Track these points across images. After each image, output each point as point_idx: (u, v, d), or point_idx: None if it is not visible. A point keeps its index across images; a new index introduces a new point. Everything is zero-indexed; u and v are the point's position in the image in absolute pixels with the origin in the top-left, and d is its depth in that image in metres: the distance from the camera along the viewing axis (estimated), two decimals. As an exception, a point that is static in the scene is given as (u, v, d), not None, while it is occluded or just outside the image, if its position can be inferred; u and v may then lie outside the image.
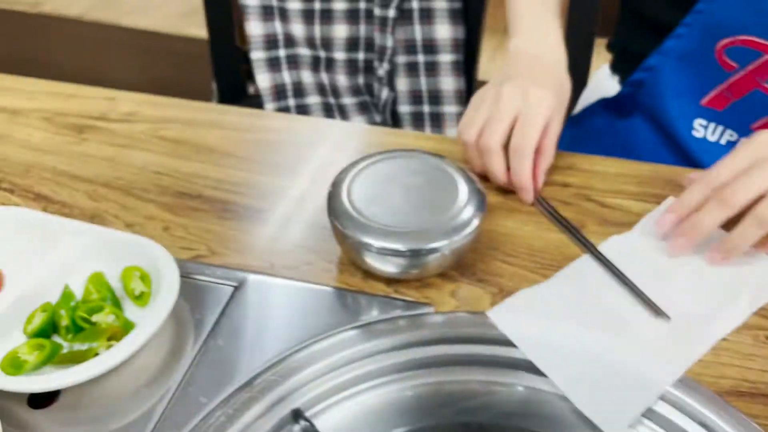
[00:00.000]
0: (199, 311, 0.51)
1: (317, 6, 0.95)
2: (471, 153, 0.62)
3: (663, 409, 0.45)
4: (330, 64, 0.98)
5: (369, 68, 0.98)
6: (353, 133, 0.70)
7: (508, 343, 0.48)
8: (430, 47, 0.94)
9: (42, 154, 0.67)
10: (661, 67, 0.73)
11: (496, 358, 0.49)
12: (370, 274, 0.53)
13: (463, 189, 0.53)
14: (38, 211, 0.58)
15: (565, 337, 0.49)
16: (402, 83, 0.97)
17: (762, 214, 0.51)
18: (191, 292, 0.52)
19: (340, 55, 0.97)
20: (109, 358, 0.44)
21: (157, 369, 0.47)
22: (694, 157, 0.74)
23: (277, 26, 0.96)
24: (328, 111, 1.01)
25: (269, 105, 1.00)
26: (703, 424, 0.44)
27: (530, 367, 0.48)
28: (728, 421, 0.44)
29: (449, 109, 0.96)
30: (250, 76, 1.07)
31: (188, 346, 0.48)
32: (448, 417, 0.47)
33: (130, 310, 0.50)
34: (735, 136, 0.72)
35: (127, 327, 0.48)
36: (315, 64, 0.98)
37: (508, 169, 0.60)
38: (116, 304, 0.49)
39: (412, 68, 0.96)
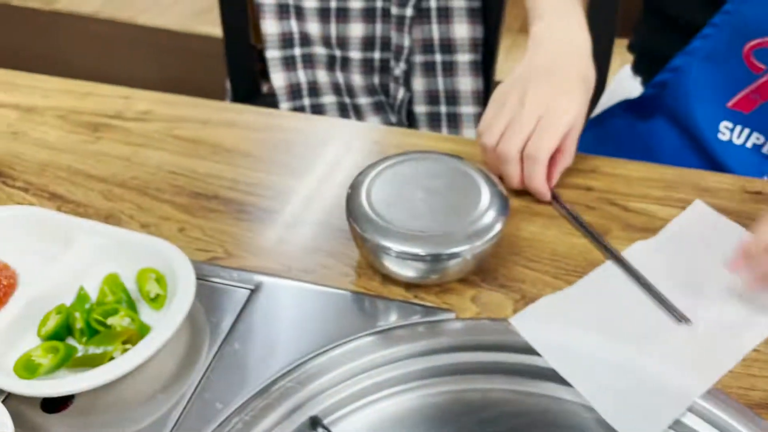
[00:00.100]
0: (215, 315, 0.50)
1: (333, 4, 0.94)
2: (489, 156, 0.60)
3: (691, 420, 0.44)
4: (345, 63, 0.97)
5: (385, 68, 0.97)
6: (370, 134, 0.69)
7: (530, 351, 0.47)
8: (448, 47, 0.92)
9: (57, 152, 0.67)
10: (687, 68, 0.71)
11: (519, 367, 0.47)
12: (388, 278, 0.52)
13: (485, 192, 0.52)
14: (53, 210, 0.57)
15: (589, 346, 0.48)
16: (418, 83, 0.96)
17: None
18: (207, 295, 0.51)
19: (355, 55, 0.96)
20: (124, 362, 0.43)
21: (172, 374, 0.46)
22: (718, 160, 0.72)
23: (293, 25, 0.95)
24: (343, 111, 1.00)
25: (284, 104, 0.99)
26: (733, 438, 0.43)
27: (553, 376, 0.46)
28: (760, 435, 0.42)
29: (466, 109, 0.95)
30: (264, 75, 1.07)
31: (204, 351, 0.47)
32: (468, 426, 0.46)
33: (145, 313, 0.49)
34: (762, 140, 0.70)
35: (142, 330, 0.47)
36: (330, 63, 0.97)
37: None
38: (131, 306, 0.49)
39: (429, 68, 0.95)
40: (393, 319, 0.50)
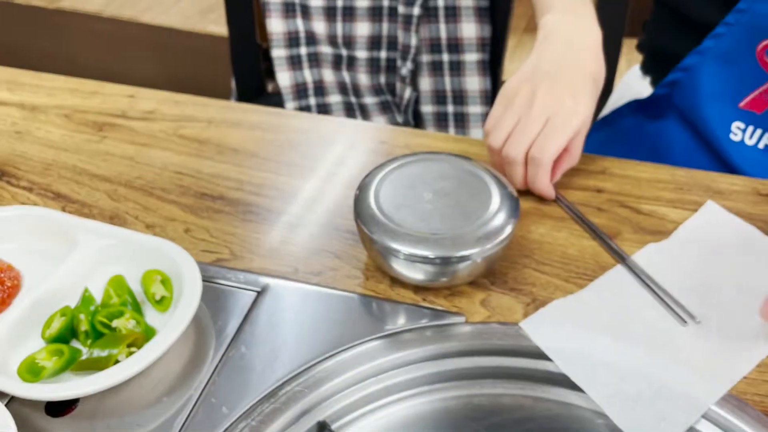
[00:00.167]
0: (221, 317, 0.49)
1: (339, 3, 0.93)
2: (494, 157, 0.60)
3: (706, 428, 0.43)
4: (351, 62, 0.96)
5: (391, 67, 0.96)
6: (377, 134, 0.68)
7: (541, 356, 0.46)
8: (456, 46, 0.92)
9: (61, 152, 0.66)
10: (699, 68, 0.71)
11: (530, 372, 0.47)
12: (397, 281, 0.52)
13: (495, 194, 0.51)
14: (57, 210, 0.57)
15: (601, 350, 0.47)
16: (425, 83, 0.95)
17: None
18: (213, 298, 0.50)
19: (361, 54, 0.95)
20: (129, 366, 0.42)
21: (178, 377, 0.45)
22: (730, 161, 0.71)
23: (299, 23, 0.94)
24: (349, 110, 0.99)
25: (290, 104, 0.98)
26: (749, 446, 0.42)
27: (565, 382, 0.46)
28: (777, 444, 0.41)
29: (474, 109, 0.94)
30: (269, 74, 1.06)
31: (209, 354, 0.47)
32: (478, 432, 0.45)
33: (151, 315, 0.49)
34: (774, 141, 0.69)
35: (147, 333, 0.46)
36: (336, 63, 0.97)
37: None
38: (137, 308, 0.48)
39: (436, 67, 0.94)
40: (401, 322, 0.49)
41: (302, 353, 0.46)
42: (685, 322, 0.49)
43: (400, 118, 0.98)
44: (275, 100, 1.02)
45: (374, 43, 0.95)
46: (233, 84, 1.07)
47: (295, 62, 0.97)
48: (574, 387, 0.45)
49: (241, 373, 0.45)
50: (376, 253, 0.50)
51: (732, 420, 0.43)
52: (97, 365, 0.44)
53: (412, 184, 0.52)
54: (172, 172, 0.63)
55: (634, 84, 0.86)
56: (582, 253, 0.54)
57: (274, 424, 0.42)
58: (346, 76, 0.97)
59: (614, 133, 0.84)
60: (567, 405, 0.46)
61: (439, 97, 0.96)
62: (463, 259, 0.48)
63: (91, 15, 1.83)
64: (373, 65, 0.96)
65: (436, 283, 0.50)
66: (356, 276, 0.52)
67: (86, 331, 0.46)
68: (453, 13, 0.90)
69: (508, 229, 0.49)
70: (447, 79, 0.94)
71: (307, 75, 0.97)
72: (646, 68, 0.84)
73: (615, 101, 0.88)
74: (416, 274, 0.50)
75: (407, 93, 0.96)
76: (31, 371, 0.43)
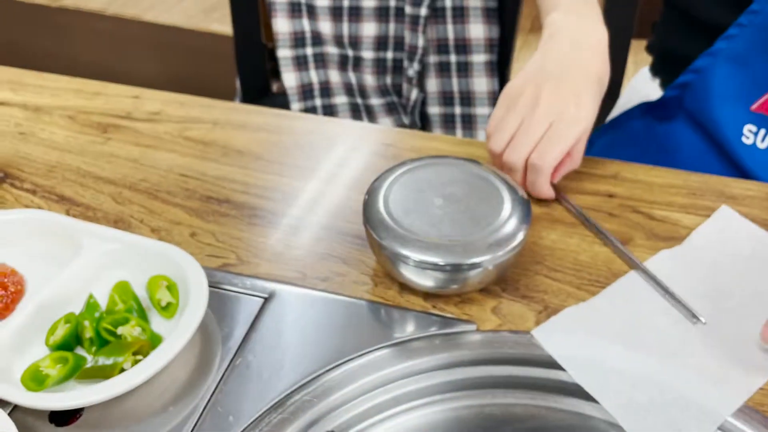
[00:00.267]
0: (228, 324, 0.48)
1: (346, 3, 0.92)
2: (495, 160, 0.59)
3: (722, 440, 0.42)
4: (358, 63, 0.95)
5: (397, 68, 0.95)
6: (385, 137, 0.67)
7: (554, 365, 0.46)
8: (463, 47, 0.91)
9: (65, 153, 0.65)
10: (710, 70, 0.70)
11: (542, 381, 0.46)
12: (406, 287, 0.51)
13: (506, 199, 0.50)
14: (61, 214, 0.56)
15: (614, 359, 0.46)
16: (432, 84, 0.94)
17: None
18: (219, 304, 0.50)
19: (368, 54, 0.94)
20: (135, 375, 0.41)
21: (184, 386, 0.44)
22: (741, 164, 0.70)
23: (305, 23, 0.93)
24: (355, 111, 0.98)
25: (295, 104, 0.97)
26: (767, 459, 0.41)
27: (578, 391, 0.45)
28: (796, 457, 0.41)
29: (481, 110, 0.93)
30: (274, 74, 1.05)
31: (216, 362, 0.46)
32: (490, 443, 0.44)
33: (156, 322, 0.48)
34: (787, 145, 0.68)
35: (153, 340, 0.45)
36: (343, 63, 0.96)
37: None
38: (142, 315, 0.47)
39: (443, 68, 0.93)
40: (411, 330, 0.48)
41: (310, 361, 0.46)
42: (700, 321, 0.48)
43: (406, 120, 0.97)
44: (280, 100, 1.01)
45: (381, 43, 0.94)
46: (238, 84, 1.06)
47: (300, 63, 0.96)
48: (587, 397, 0.45)
49: (248, 382, 0.45)
50: (385, 259, 0.50)
51: (749, 432, 0.42)
52: (102, 373, 0.43)
53: (422, 189, 0.52)
54: (177, 174, 0.62)
55: (643, 86, 0.85)
56: (594, 260, 0.53)
57: (282, 434, 0.41)
58: (352, 76, 0.96)
59: (623, 136, 0.83)
60: (580, 415, 0.45)
61: (446, 99, 0.95)
62: (474, 266, 0.47)
63: (94, 13, 1.82)
64: (380, 66, 0.95)
65: (446, 290, 0.49)
66: (364, 282, 0.52)
67: (91, 338, 0.45)
68: (461, 14, 0.89)
69: (520, 236, 0.48)
70: (454, 80, 0.93)
71: (313, 76, 0.96)
72: (656, 70, 0.83)
73: (624, 103, 0.87)
74: (426, 280, 0.49)
75: (414, 94, 0.95)
76: (35, 379, 0.43)
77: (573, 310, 0.49)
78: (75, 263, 0.49)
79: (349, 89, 0.97)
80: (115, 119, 0.69)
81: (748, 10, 0.65)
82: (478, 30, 0.90)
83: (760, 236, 0.55)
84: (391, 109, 0.97)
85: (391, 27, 0.93)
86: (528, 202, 0.51)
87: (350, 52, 0.95)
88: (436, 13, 0.90)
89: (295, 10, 0.93)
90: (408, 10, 0.90)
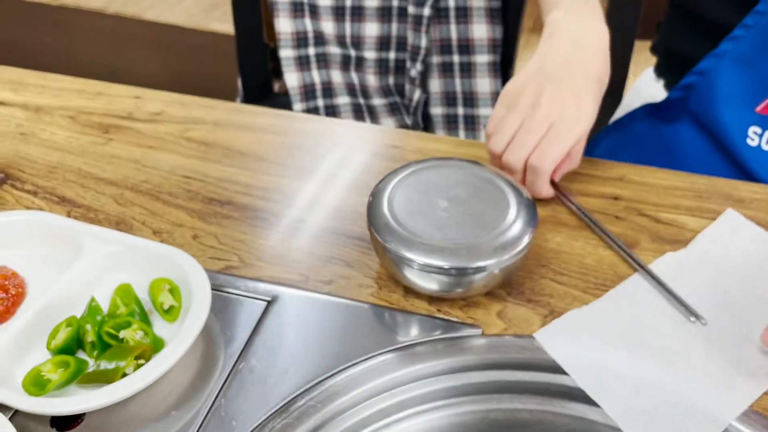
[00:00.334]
0: (231, 328, 0.48)
1: (348, 3, 0.91)
2: (495, 161, 0.59)
3: (728, 445, 0.42)
4: (360, 63, 0.94)
5: (400, 68, 0.95)
6: (388, 138, 0.67)
7: (560, 370, 0.45)
8: (466, 47, 0.90)
9: (66, 154, 0.65)
10: (715, 71, 0.69)
11: (548, 386, 0.45)
12: (411, 290, 0.50)
13: (512, 202, 0.50)
14: (62, 216, 0.55)
15: (616, 362, 0.45)
16: (435, 84, 0.93)
17: None
18: (222, 307, 0.49)
19: (370, 54, 0.94)
20: (137, 380, 0.41)
21: (186, 390, 0.44)
22: (746, 166, 0.70)
23: (307, 23, 0.93)
24: (357, 112, 0.98)
25: (297, 105, 0.97)
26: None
27: (584, 397, 0.44)
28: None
29: (484, 111, 0.93)
30: (276, 74, 1.05)
31: (219, 366, 0.45)
32: (495, 448, 0.44)
33: (158, 325, 0.47)
34: (793, 147, 0.68)
35: (156, 344, 0.45)
36: (345, 63, 0.95)
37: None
38: (144, 319, 0.47)
39: (446, 69, 0.92)
40: (415, 334, 0.48)
41: (314, 366, 0.45)
42: (701, 321, 0.47)
43: (409, 120, 0.97)
44: (282, 100, 1.01)
45: (383, 43, 0.93)
46: (239, 83, 1.06)
47: (303, 63, 0.95)
48: (593, 402, 0.44)
49: (252, 387, 0.44)
50: (389, 262, 0.49)
51: (757, 438, 0.41)
52: (104, 378, 0.42)
53: (426, 191, 0.51)
54: (179, 175, 0.62)
55: (647, 87, 0.84)
56: (600, 263, 0.53)
57: (286, 440, 0.41)
58: (354, 77, 0.96)
59: (627, 137, 0.82)
60: (586, 421, 0.45)
61: (449, 99, 0.94)
62: (479, 270, 0.47)
63: (94, 12, 1.81)
64: (382, 66, 0.95)
65: (451, 293, 0.49)
66: (368, 285, 0.51)
67: (93, 342, 0.45)
68: (464, 14, 0.89)
69: (526, 239, 0.48)
70: (457, 81, 0.93)
71: (316, 76, 0.96)
72: (660, 71, 0.83)
73: (628, 104, 0.87)
74: (431, 284, 0.48)
75: (416, 95, 0.94)
76: (37, 384, 0.42)
77: (576, 312, 0.49)
78: (76, 266, 0.49)
79: (351, 90, 0.97)
80: (117, 120, 0.69)
81: (754, 11, 0.65)
82: (481, 30, 0.89)
83: (766, 240, 0.54)
84: (393, 109, 0.97)
85: (394, 27, 0.92)
86: (533, 205, 0.50)
87: (353, 53, 0.94)
88: (439, 13, 0.89)
89: (297, 10, 0.93)
90: (411, 10, 0.89)
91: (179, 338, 0.43)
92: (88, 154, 0.65)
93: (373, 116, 0.97)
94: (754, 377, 0.45)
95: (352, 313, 0.49)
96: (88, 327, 0.45)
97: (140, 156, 0.64)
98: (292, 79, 0.95)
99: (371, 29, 0.92)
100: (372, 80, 0.95)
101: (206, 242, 0.55)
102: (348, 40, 0.93)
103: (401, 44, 0.93)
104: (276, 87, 1.07)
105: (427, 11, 0.88)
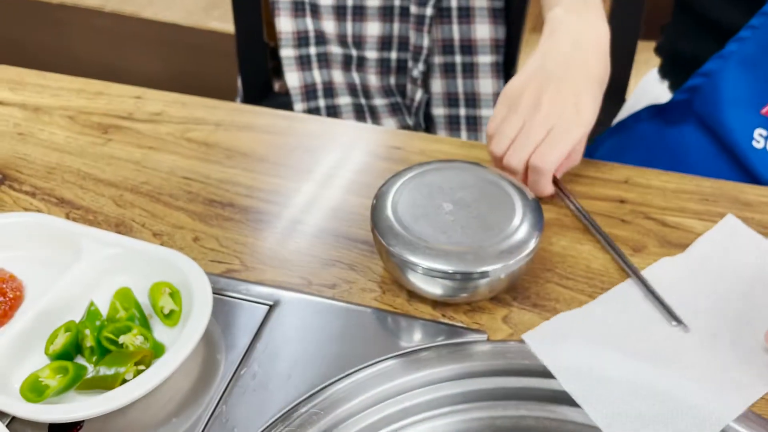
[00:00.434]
0: (232, 333, 0.47)
1: (350, 2, 0.91)
2: (496, 163, 0.58)
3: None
4: (361, 63, 0.94)
5: (402, 68, 0.94)
6: (391, 139, 0.66)
7: (566, 377, 0.44)
8: (469, 47, 0.89)
9: (65, 154, 0.64)
10: (721, 73, 0.68)
11: (554, 393, 0.45)
12: (415, 295, 0.50)
13: (518, 205, 0.49)
14: (61, 218, 0.55)
15: (605, 367, 0.44)
16: (437, 85, 0.93)
17: None
18: (223, 311, 0.48)
19: (371, 54, 0.93)
20: (137, 386, 0.40)
21: (187, 397, 0.43)
22: (752, 168, 0.69)
23: (308, 23, 0.92)
24: (358, 112, 0.97)
25: (298, 105, 0.96)
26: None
27: (591, 404, 0.44)
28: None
29: (487, 112, 0.92)
30: (276, 73, 1.04)
31: (220, 372, 0.45)
32: (501, 456, 0.43)
33: (159, 330, 0.47)
34: (799, 149, 0.67)
35: (156, 350, 0.44)
36: (346, 63, 0.94)
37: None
38: (144, 323, 0.46)
39: (448, 69, 0.91)
40: (419, 339, 0.47)
41: (316, 372, 0.44)
42: (682, 325, 0.47)
43: (410, 121, 0.96)
44: (282, 100, 1.00)
45: (385, 43, 0.93)
46: (239, 83, 1.05)
47: (304, 62, 0.94)
48: (600, 409, 0.43)
49: (254, 393, 0.43)
50: (393, 266, 0.48)
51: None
52: (103, 384, 0.42)
53: (431, 194, 0.50)
54: (179, 177, 0.61)
55: (651, 88, 0.84)
56: (607, 267, 0.52)
57: (288, 447, 0.40)
58: (355, 77, 0.95)
59: (631, 139, 0.82)
60: (592, 428, 0.44)
61: (451, 100, 0.94)
62: (484, 274, 0.46)
63: (93, 10, 1.80)
64: (383, 66, 0.94)
65: (456, 298, 0.48)
66: (372, 289, 0.50)
67: (92, 347, 0.44)
68: (466, 14, 0.88)
69: (532, 243, 0.47)
70: (459, 82, 0.92)
71: (317, 75, 0.95)
72: (665, 72, 0.82)
73: (631, 105, 0.86)
74: (435, 288, 0.48)
75: (418, 95, 0.93)
76: (35, 390, 0.41)
77: (566, 315, 0.48)
78: (75, 268, 0.48)
79: (352, 89, 0.96)
80: (116, 120, 0.68)
81: (760, 12, 0.64)
82: (484, 30, 0.88)
83: (765, 246, 0.54)
84: (394, 109, 0.96)
85: (396, 27, 0.91)
86: (539, 208, 0.50)
87: (354, 52, 0.94)
88: (442, 13, 0.89)
89: (298, 9, 0.92)
90: (413, 9, 0.88)
91: (180, 343, 0.42)
92: (87, 155, 0.64)
93: (375, 117, 0.97)
94: (744, 386, 0.44)
95: (355, 317, 0.48)
96: (87, 332, 0.44)
97: (140, 157, 0.64)
98: (293, 78, 0.94)
99: (373, 29, 0.92)
100: (373, 80, 0.95)
101: (207, 245, 0.54)
102: (349, 39, 0.93)
103: (403, 44, 0.92)
104: (276, 86, 1.06)
105: (429, 11, 0.87)
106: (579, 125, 0.55)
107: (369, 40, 0.92)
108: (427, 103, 0.95)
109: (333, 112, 0.97)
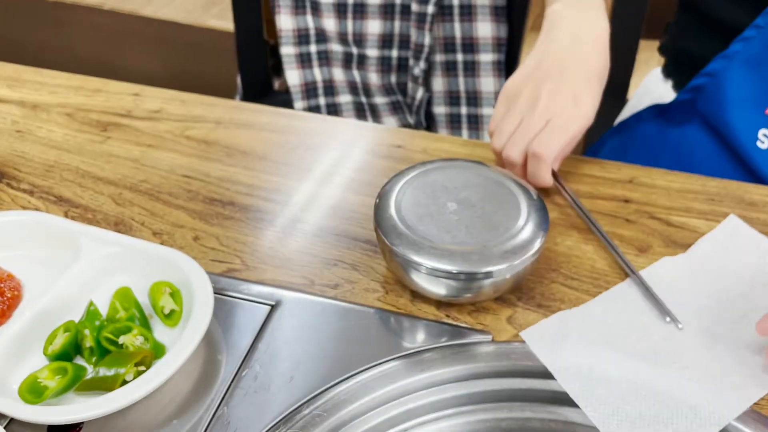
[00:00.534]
0: (233, 333, 0.46)
1: (350, 0, 0.90)
2: (498, 158, 0.58)
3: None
4: (362, 61, 0.93)
5: (402, 66, 0.93)
6: (393, 138, 0.65)
7: (572, 378, 0.44)
8: (470, 46, 0.89)
9: (64, 152, 0.63)
10: (725, 73, 0.68)
11: (560, 395, 0.44)
12: (418, 295, 0.49)
13: (523, 204, 0.49)
14: (60, 216, 0.54)
15: (603, 366, 0.44)
16: (438, 83, 0.92)
17: None
18: (224, 311, 0.48)
19: (372, 52, 0.92)
20: (138, 388, 0.40)
21: (188, 398, 0.43)
22: (756, 169, 0.69)
23: (309, 20, 0.91)
24: (359, 110, 0.96)
25: (299, 103, 0.95)
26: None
27: (597, 405, 0.43)
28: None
29: (488, 111, 0.91)
30: (276, 71, 1.03)
31: (221, 373, 0.44)
32: (506, 458, 0.43)
33: (159, 330, 0.46)
34: (804, 149, 0.66)
35: (156, 350, 0.43)
36: (347, 61, 0.94)
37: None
38: (144, 323, 0.45)
39: (449, 67, 0.91)
40: (423, 340, 0.46)
41: (319, 373, 0.44)
42: (678, 325, 0.46)
43: (411, 119, 0.96)
44: (282, 98, 0.99)
45: (385, 41, 0.92)
46: (239, 81, 1.04)
47: (304, 60, 0.94)
48: (606, 411, 0.43)
49: (255, 394, 0.43)
50: (396, 266, 0.48)
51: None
52: (103, 385, 0.41)
53: (435, 193, 0.50)
54: (179, 175, 0.61)
55: (655, 87, 0.83)
56: (612, 267, 0.51)
57: (291, 450, 0.40)
58: (356, 75, 0.94)
59: (634, 138, 0.81)
60: (598, 430, 0.43)
61: (453, 98, 0.93)
62: (489, 274, 0.45)
63: (92, 7, 1.79)
64: (384, 64, 0.93)
65: (460, 298, 0.48)
66: (375, 289, 0.50)
67: (91, 348, 0.44)
68: (468, 12, 0.87)
69: (537, 243, 0.47)
70: (461, 80, 0.92)
71: (317, 73, 0.94)
72: (668, 71, 0.82)
73: (634, 105, 0.85)
74: (439, 289, 0.47)
75: (419, 93, 0.93)
76: (33, 391, 0.41)
77: (565, 313, 0.48)
78: (74, 268, 0.47)
79: (353, 88, 0.95)
80: (115, 117, 0.67)
81: (765, 11, 0.64)
82: (485, 29, 0.88)
83: (765, 247, 0.53)
84: (395, 108, 0.96)
85: (397, 25, 0.91)
86: (545, 207, 0.49)
87: (354, 50, 0.93)
88: (443, 11, 0.88)
89: (298, 7, 0.91)
90: (414, 7, 0.88)
91: (181, 344, 0.42)
92: (85, 153, 0.63)
93: (375, 115, 0.96)
94: (742, 388, 0.43)
95: (358, 318, 0.48)
96: (87, 332, 0.44)
97: (139, 155, 0.63)
98: (293, 76, 0.94)
99: (374, 27, 0.91)
100: (374, 78, 0.94)
101: (207, 244, 0.54)
102: (350, 37, 0.92)
103: (404, 42, 0.92)
104: (276, 84, 1.05)
105: (430, 9, 0.87)
106: (578, 118, 0.55)
107: (370, 38, 0.91)
108: (429, 102, 0.94)
109: (333, 110, 0.96)
